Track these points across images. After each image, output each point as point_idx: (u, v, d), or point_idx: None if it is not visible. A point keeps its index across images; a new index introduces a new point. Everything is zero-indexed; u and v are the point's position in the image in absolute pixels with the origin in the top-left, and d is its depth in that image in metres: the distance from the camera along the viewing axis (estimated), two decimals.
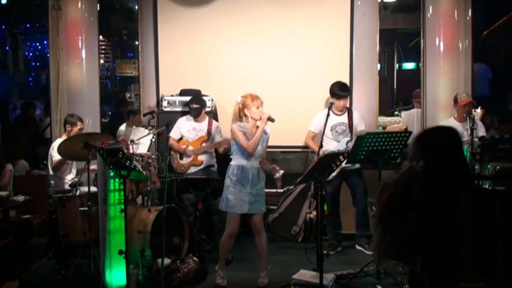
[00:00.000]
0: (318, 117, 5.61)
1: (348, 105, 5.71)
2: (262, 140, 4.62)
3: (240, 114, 4.61)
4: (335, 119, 5.57)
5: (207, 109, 6.07)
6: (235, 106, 4.64)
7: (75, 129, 5.47)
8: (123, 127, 7.53)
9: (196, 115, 5.77)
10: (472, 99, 5.63)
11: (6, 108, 11.07)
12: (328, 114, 5.41)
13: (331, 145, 5.48)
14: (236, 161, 4.61)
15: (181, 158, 5.84)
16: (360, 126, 5.60)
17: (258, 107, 4.55)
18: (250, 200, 4.55)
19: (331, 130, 5.56)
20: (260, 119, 4.57)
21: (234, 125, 4.58)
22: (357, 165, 5.52)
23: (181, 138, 5.89)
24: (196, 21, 6.58)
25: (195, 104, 5.76)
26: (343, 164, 5.21)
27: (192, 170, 5.78)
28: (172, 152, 5.84)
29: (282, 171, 4.78)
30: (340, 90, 5.52)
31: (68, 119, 5.60)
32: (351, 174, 5.57)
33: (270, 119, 4.55)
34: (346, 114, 5.59)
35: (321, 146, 5.46)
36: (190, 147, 5.77)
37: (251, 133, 4.57)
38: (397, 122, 7.01)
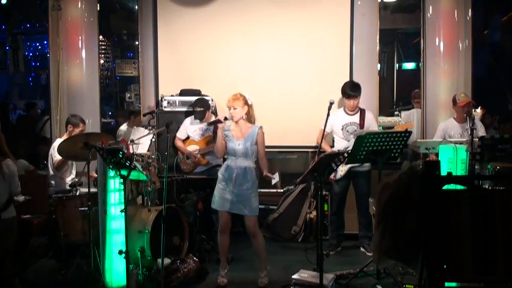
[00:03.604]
0: (331, 117, 5.54)
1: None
2: (251, 137, 4.59)
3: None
4: (346, 118, 5.58)
5: None
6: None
7: (77, 131, 5.46)
8: (124, 127, 7.53)
9: (200, 118, 5.79)
10: (472, 99, 5.64)
11: (7, 108, 11.09)
12: (328, 115, 5.41)
13: (341, 144, 5.49)
14: (228, 160, 4.69)
15: (187, 158, 5.86)
16: (372, 127, 5.58)
17: (230, 108, 4.61)
18: (232, 200, 4.58)
19: (342, 129, 5.57)
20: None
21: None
22: (367, 167, 5.51)
23: (187, 138, 5.90)
24: (196, 21, 6.58)
25: (198, 107, 5.77)
26: (353, 164, 5.23)
27: (199, 169, 5.80)
28: (179, 152, 5.87)
29: (276, 177, 4.66)
30: (350, 90, 5.54)
31: (70, 119, 5.59)
32: (359, 175, 5.56)
33: (225, 118, 4.64)
34: (358, 114, 5.59)
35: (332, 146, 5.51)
36: (195, 148, 5.77)
37: (234, 134, 4.62)
38: (397, 122, 7.01)
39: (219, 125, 4.65)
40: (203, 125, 5.83)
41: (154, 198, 5.16)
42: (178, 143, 5.87)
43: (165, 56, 6.67)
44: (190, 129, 5.88)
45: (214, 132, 5.79)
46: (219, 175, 4.69)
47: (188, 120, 5.93)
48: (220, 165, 5.80)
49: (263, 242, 4.75)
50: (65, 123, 5.72)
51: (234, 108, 4.57)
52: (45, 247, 5.63)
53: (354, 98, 5.52)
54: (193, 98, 6.05)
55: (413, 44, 10.73)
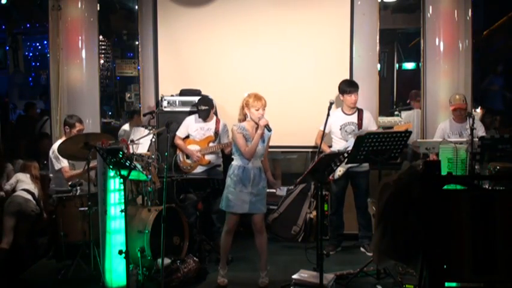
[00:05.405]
0: (329, 117, 5.53)
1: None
2: (266, 139, 4.64)
3: (244, 112, 4.62)
4: (344, 118, 5.59)
5: None
6: (242, 101, 4.65)
7: (74, 131, 5.44)
8: (126, 127, 7.52)
9: (205, 117, 5.77)
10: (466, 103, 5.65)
11: (6, 108, 11.08)
12: (328, 115, 5.41)
13: (340, 145, 5.49)
14: (237, 161, 4.63)
15: (187, 157, 5.83)
16: (371, 126, 5.59)
17: (257, 109, 4.54)
18: (251, 200, 4.56)
19: (340, 129, 5.57)
20: (258, 122, 4.54)
21: (234, 127, 4.60)
22: (366, 167, 5.52)
23: (187, 137, 5.89)
24: (196, 21, 6.58)
25: (203, 105, 5.75)
26: (351, 164, 5.23)
27: (199, 169, 5.78)
28: (178, 151, 5.84)
29: (282, 191, 4.70)
30: (348, 86, 5.58)
31: (66, 120, 5.57)
32: (357, 175, 5.56)
33: (267, 128, 4.54)
34: (356, 114, 5.60)
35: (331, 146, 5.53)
36: (197, 149, 5.75)
37: (251, 135, 4.57)
38: (397, 122, 7.01)
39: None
40: (205, 125, 5.82)
41: (154, 198, 5.16)
42: (178, 141, 5.83)
43: (165, 56, 6.66)
44: (192, 128, 5.84)
45: (216, 132, 5.80)
46: (233, 178, 4.59)
47: (192, 119, 5.89)
48: (219, 165, 5.82)
49: (267, 239, 4.76)
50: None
51: (263, 109, 4.57)
52: (45, 247, 5.64)
53: (352, 93, 5.52)
54: (193, 98, 6.05)
55: (410, 46, 10.75)
